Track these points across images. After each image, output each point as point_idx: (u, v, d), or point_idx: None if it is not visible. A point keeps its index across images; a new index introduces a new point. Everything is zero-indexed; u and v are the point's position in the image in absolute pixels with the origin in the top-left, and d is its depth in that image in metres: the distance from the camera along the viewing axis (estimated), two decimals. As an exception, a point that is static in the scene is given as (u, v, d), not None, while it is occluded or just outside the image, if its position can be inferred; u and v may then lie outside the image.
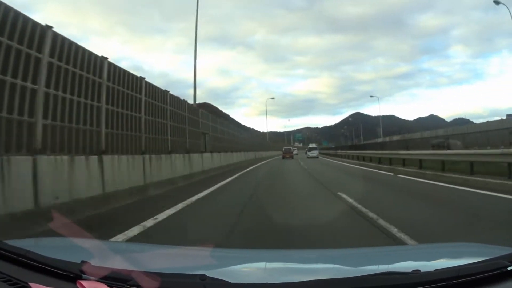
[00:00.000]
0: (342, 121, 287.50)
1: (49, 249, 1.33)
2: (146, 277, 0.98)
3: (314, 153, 42.94)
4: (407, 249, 2.48)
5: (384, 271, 1.11)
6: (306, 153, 47.68)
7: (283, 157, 38.64)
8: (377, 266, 1.52)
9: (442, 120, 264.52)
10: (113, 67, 7.90)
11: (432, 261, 1.52)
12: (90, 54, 6.99)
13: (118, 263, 1.21)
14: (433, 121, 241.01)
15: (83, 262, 1.08)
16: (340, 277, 1.06)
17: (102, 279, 1.00)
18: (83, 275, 1.04)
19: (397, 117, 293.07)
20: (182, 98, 13.31)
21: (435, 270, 1.09)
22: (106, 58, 7.53)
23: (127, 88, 8.47)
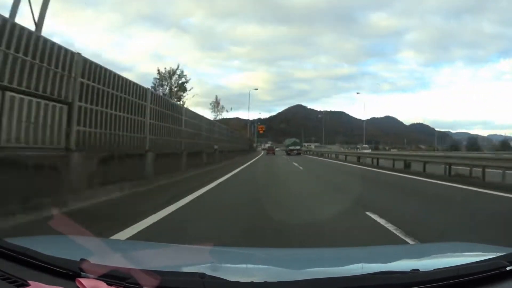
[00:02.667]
0: (279, 113, 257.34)
1: (49, 247, 1.33)
2: (145, 275, 0.98)
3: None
4: (406, 248, 2.48)
5: (383, 270, 1.11)
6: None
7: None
8: (376, 265, 1.52)
9: (401, 123, 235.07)
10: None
11: (431, 261, 1.52)
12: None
13: (117, 261, 1.21)
14: (390, 123, 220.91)
15: (82, 260, 1.07)
16: (340, 276, 1.06)
17: (101, 277, 1.00)
18: (82, 273, 1.04)
19: (347, 115, 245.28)
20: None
21: (434, 269, 1.09)
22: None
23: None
